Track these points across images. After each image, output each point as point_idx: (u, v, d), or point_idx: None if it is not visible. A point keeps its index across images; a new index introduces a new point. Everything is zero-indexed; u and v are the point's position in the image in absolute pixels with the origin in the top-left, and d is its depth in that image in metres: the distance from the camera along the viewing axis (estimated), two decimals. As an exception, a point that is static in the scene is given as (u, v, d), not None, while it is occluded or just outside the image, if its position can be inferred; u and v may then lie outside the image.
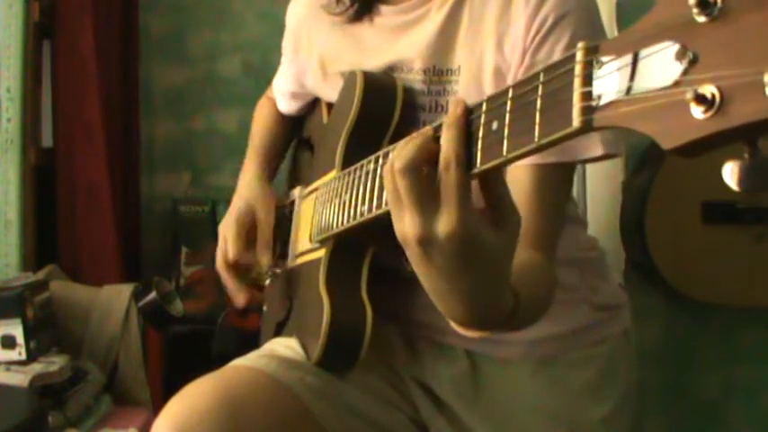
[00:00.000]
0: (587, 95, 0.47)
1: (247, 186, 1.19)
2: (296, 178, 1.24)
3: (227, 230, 1.14)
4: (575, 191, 1.55)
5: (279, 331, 1.11)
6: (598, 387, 1.02)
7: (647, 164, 1.84)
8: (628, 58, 0.44)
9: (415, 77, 0.97)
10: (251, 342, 1.22)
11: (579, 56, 0.48)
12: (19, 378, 1.49)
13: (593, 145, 0.86)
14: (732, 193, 1.60)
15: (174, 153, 2.20)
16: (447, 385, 1.02)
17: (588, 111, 0.47)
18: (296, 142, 1.29)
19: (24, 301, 1.58)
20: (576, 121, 0.47)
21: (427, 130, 0.61)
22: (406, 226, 0.58)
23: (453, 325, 0.67)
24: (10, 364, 1.54)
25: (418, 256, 0.59)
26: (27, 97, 1.84)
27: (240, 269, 1.12)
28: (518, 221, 0.61)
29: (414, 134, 0.62)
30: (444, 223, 0.56)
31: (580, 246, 1.05)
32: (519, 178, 0.85)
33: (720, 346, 2.06)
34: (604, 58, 0.46)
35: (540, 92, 0.52)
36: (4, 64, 1.80)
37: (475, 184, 0.59)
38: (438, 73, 0.96)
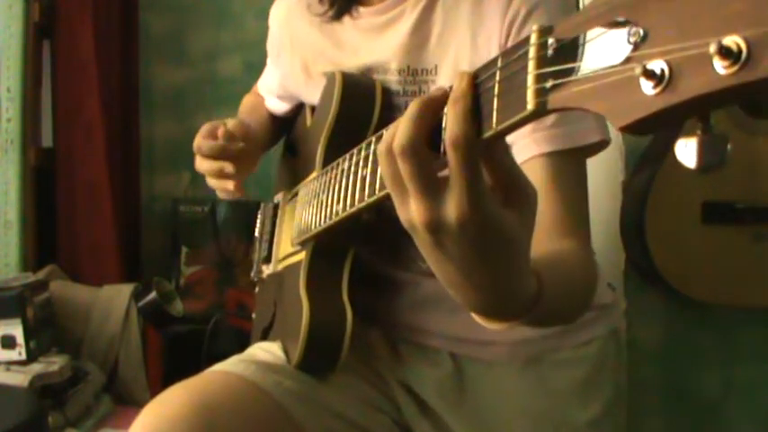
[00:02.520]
0: (541, 77, 0.46)
1: None
2: (280, 182, 1.24)
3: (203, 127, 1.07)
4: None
5: (265, 337, 1.10)
6: (585, 388, 1.01)
7: (647, 164, 1.84)
8: (581, 38, 0.44)
9: (391, 78, 0.97)
10: (247, 343, 1.22)
11: (533, 38, 0.48)
12: (19, 378, 1.49)
13: (589, 130, 0.86)
14: (732, 194, 1.60)
15: (174, 153, 2.20)
16: (431, 388, 1.01)
17: (542, 93, 0.46)
18: (282, 147, 1.29)
19: (24, 301, 1.58)
20: (531, 104, 0.47)
21: (420, 101, 0.55)
22: (412, 212, 0.54)
23: (475, 317, 0.63)
24: (10, 364, 1.55)
25: (429, 243, 0.55)
26: (27, 97, 1.84)
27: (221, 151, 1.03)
28: (534, 197, 0.56)
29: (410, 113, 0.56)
30: (455, 207, 0.52)
31: None
32: (530, 172, 0.85)
33: (720, 346, 2.06)
34: (558, 39, 0.46)
35: (497, 77, 0.51)
36: (4, 64, 1.80)
37: None
38: (413, 73, 0.96)
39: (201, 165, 1.05)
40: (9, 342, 1.56)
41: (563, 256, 0.78)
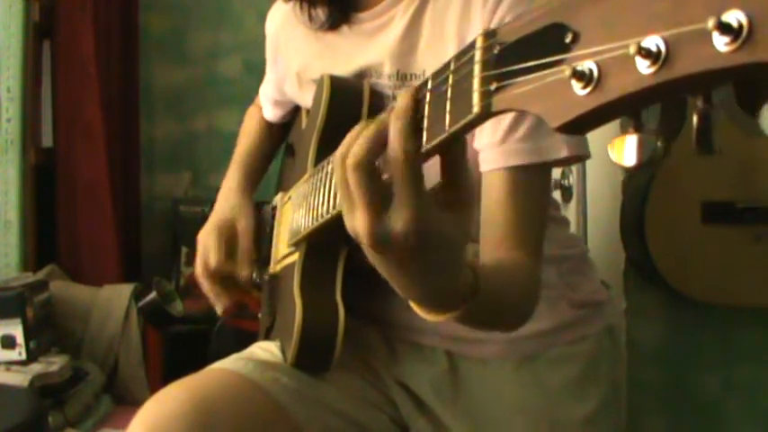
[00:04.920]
0: (486, 80, 0.47)
1: (226, 197, 1.20)
2: (280, 184, 1.25)
3: (208, 239, 1.13)
4: (575, 191, 1.56)
5: (267, 337, 1.11)
6: (580, 385, 1.01)
7: (647, 164, 1.84)
8: (521, 41, 0.45)
9: (384, 82, 0.98)
10: (249, 343, 1.22)
11: (479, 42, 0.49)
12: (19, 378, 1.49)
13: (558, 145, 0.86)
14: (732, 193, 1.60)
15: (174, 153, 2.20)
16: (427, 385, 1.02)
17: (487, 95, 0.47)
18: (284, 148, 1.30)
19: (24, 301, 1.58)
20: (476, 107, 0.48)
21: (382, 118, 0.58)
22: (356, 223, 0.57)
23: (413, 307, 0.67)
24: (10, 364, 1.55)
25: (370, 250, 0.58)
26: (27, 97, 1.84)
27: (221, 276, 1.12)
28: (473, 196, 0.60)
29: (366, 122, 0.59)
30: (398, 221, 0.55)
31: (559, 243, 1.05)
32: (493, 183, 0.86)
33: (720, 346, 2.06)
34: (501, 42, 0.47)
35: (449, 81, 0.52)
36: (4, 64, 1.80)
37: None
38: (402, 78, 0.96)
39: (212, 290, 1.12)
40: (9, 342, 1.56)
41: (508, 264, 0.80)
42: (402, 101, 0.56)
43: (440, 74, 0.54)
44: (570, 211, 1.55)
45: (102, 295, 1.81)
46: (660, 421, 2.08)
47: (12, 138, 1.81)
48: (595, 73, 0.39)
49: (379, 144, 0.56)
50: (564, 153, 0.86)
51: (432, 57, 0.93)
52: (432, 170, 0.57)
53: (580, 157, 0.89)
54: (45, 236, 1.94)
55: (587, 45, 0.39)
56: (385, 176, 0.56)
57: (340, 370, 0.95)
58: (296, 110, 1.22)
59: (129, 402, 1.72)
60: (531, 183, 0.87)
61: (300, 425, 0.91)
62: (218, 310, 1.14)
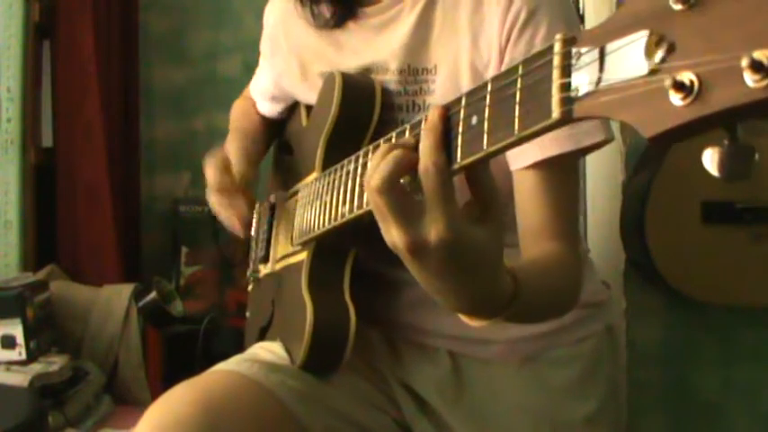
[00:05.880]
0: (566, 86, 0.47)
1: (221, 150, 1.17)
2: (276, 182, 1.24)
3: (208, 169, 1.11)
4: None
5: (262, 336, 1.11)
6: (581, 385, 1.02)
7: (647, 164, 1.84)
8: (606, 48, 0.44)
9: (390, 78, 0.97)
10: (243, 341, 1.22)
11: (557, 47, 0.48)
12: (19, 378, 1.49)
13: (593, 130, 0.85)
14: (732, 193, 1.61)
15: (174, 153, 2.20)
16: (430, 387, 1.02)
17: (567, 102, 0.47)
18: (276, 146, 1.28)
19: (24, 301, 1.58)
20: (556, 113, 0.48)
21: (407, 139, 0.62)
22: (394, 238, 0.60)
23: (461, 317, 0.68)
24: (10, 364, 1.55)
25: (410, 262, 0.61)
26: (27, 97, 1.84)
27: (228, 191, 1.09)
28: (500, 210, 0.62)
29: (389, 140, 0.63)
30: (432, 231, 0.58)
31: None
32: (529, 177, 0.86)
33: (720, 346, 2.06)
34: (583, 49, 0.46)
35: (519, 84, 0.52)
36: (4, 64, 1.80)
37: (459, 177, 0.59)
38: (414, 72, 0.96)
39: (221, 204, 1.09)
40: (9, 342, 1.56)
41: (546, 258, 0.81)
42: (433, 116, 0.58)
43: (504, 77, 0.54)
44: (570, 211, 1.55)
45: (102, 295, 1.81)
46: (660, 421, 2.07)
47: (12, 138, 1.81)
48: (696, 84, 0.38)
49: (404, 164, 0.59)
50: (601, 137, 0.86)
51: (443, 51, 0.93)
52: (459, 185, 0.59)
53: (607, 141, 0.89)
54: (45, 236, 1.94)
55: (685, 56, 0.39)
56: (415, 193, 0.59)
57: (344, 371, 0.95)
58: (291, 107, 1.21)
59: (129, 402, 1.72)
60: (566, 171, 0.88)
61: (305, 427, 0.91)
62: (240, 231, 1.10)
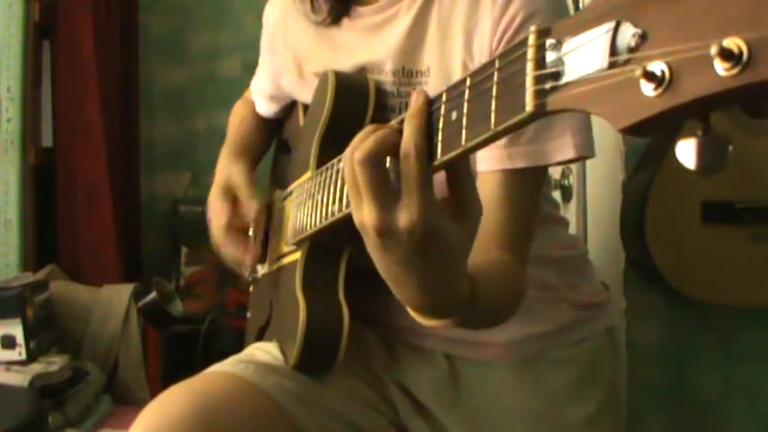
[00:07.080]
0: (540, 79, 0.46)
1: (221, 168, 1.19)
2: (275, 181, 1.24)
3: (214, 205, 1.13)
4: (575, 191, 1.55)
5: (261, 336, 1.10)
6: (580, 386, 1.01)
7: (647, 164, 1.84)
8: (579, 39, 0.44)
9: (385, 79, 0.97)
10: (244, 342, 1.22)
11: (531, 39, 0.48)
12: (19, 378, 1.49)
13: (565, 148, 0.85)
14: (732, 193, 1.60)
15: (174, 153, 2.20)
16: (427, 389, 1.01)
17: (541, 94, 0.46)
18: (275, 145, 1.29)
19: (24, 301, 1.58)
20: (530, 106, 0.47)
21: (393, 124, 0.61)
22: (364, 216, 0.59)
23: (410, 311, 0.67)
24: (10, 364, 1.55)
25: (374, 245, 0.60)
26: (27, 97, 1.84)
27: (236, 230, 1.11)
28: (479, 214, 0.61)
29: (376, 126, 0.61)
30: (404, 216, 0.57)
31: (559, 245, 1.05)
32: (489, 182, 0.86)
33: (720, 346, 2.06)
34: (556, 41, 0.46)
35: (495, 78, 0.51)
36: (4, 64, 1.80)
37: (439, 175, 0.59)
38: (407, 74, 0.95)
39: (227, 249, 1.10)
40: (9, 342, 1.56)
41: (498, 267, 0.80)
42: (416, 101, 0.58)
43: (482, 71, 0.53)
44: (570, 211, 1.55)
45: (102, 295, 1.81)
46: (660, 421, 2.07)
47: (12, 138, 1.81)
48: (667, 74, 0.38)
49: (388, 144, 0.58)
50: (571, 155, 0.85)
51: (437, 53, 0.93)
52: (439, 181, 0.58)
53: (583, 158, 0.88)
54: (45, 236, 1.94)
55: (656, 45, 0.38)
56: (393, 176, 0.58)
57: (340, 372, 0.94)
58: (289, 106, 1.21)
59: (129, 402, 1.72)
60: (529, 183, 0.87)
61: (301, 428, 0.91)
62: (245, 271, 1.12)
